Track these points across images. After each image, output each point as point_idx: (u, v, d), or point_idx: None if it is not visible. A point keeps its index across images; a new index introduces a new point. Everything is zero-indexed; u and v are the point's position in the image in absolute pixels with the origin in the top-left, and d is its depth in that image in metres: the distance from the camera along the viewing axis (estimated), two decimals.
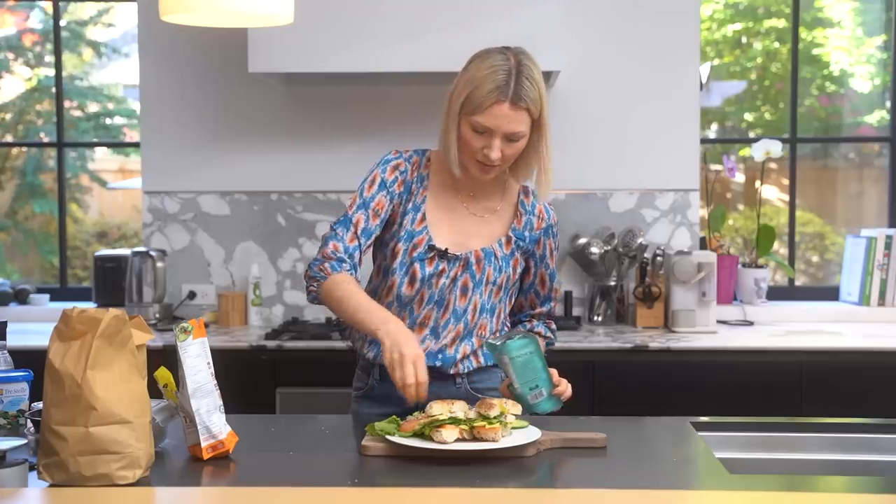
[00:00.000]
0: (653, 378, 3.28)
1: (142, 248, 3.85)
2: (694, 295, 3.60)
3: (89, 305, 3.60)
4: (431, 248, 2.21)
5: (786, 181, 4.45)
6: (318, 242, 3.90)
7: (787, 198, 4.43)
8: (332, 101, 3.90)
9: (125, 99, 6.68)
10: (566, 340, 3.36)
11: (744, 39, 5.91)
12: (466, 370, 2.25)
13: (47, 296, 4.13)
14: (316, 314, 3.90)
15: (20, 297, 4.10)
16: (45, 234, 6.33)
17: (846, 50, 5.45)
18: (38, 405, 1.87)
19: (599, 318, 3.79)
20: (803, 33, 5.33)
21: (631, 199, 3.90)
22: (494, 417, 1.90)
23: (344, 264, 2.15)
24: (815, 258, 5.63)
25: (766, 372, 3.29)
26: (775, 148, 3.92)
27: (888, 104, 4.39)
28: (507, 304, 2.31)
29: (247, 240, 3.94)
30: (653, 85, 3.86)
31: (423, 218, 2.24)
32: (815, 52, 5.50)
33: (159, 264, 3.82)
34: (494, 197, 2.29)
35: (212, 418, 1.86)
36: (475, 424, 1.88)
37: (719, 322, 3.76)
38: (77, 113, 6.44)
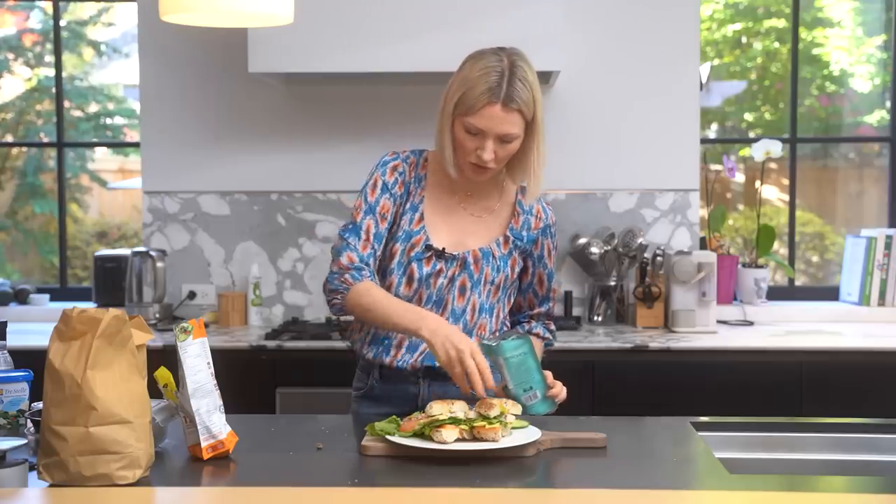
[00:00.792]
0: (653, 378, 3.28)
1: (142, 248, 3.85)
2: (694, 295, 3.60)
3: (89, 305, 3.60)
4: (429, 247, 2.21)
5: (786, 181, 4.45)
6: (317, 242, 3.91)
7: (787, 198, 4.43)
8: (332, 101, 3.90)
9: (125, 99, 6.67)
10: (566, 340, 3.36)
11: (744, 39, 5.91)
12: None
13: (47, 296, 4.13)
14: (316, 314, 3.90)
15: (20, 297, 4.10)
16: (45, 234, 6.33)
17: (846, 50, 5.45)
18: (38, 405, 1.87)
19: (599, 318, 3.79)
20: (803, 33, 5.33)
21: (631, 199, 3.90)
22: (494, 417, 1.90)
23: (363, 272, 2.15)
24: (815, 258, 5.63)
25: (766, 372, 3.29)
26: (775, 148, 3.92)
27: (888, 104, 4.39)
28: (507, 303, 2.31)
29: (247, 240, 3.94)
30: (653, 85, 3.86)
31: (421, 218, 2.24)
32: (815, 52, 5.51)
33: (159, 264, 3.82)
34: (492, 197, 2.29)
35: (212, 418, 1.86)
36: (475, 424, 1.88)
37: (719, 322, 3.76)
38: (77, 113, 6.44)
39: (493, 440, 1.86)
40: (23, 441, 1.77)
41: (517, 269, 2.28)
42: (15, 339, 2.25)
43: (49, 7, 4.68)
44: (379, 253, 2.22)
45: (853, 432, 2.15)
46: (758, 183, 4.08)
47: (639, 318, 3.70)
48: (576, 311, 3.87)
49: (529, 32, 3.36)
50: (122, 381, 1.69)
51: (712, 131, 5.82)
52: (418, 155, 2.31)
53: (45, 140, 6.36)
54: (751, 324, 3.79)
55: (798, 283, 4.36)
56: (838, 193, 5.35)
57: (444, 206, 2.27)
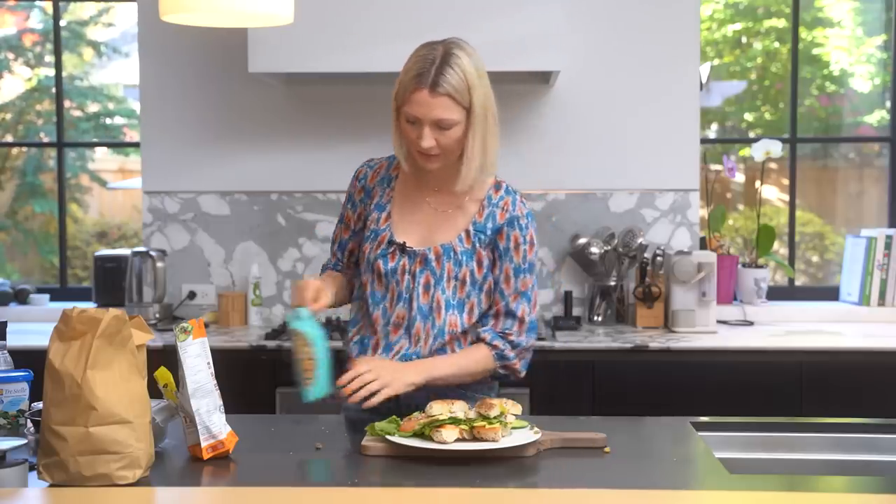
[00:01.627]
0: (653, 378, 3.28)
1: (142, 248, 3.85)
2: (694, 295, 3.60)
3: (89, 305, 3.60)
4: (391, 243, 2.24)
5: (786, 181, 4.45)
6: (317, 242, 3.91)
7: (787, 198, 4.43)
8: (332, 101, 3.90)
9: (125, 99, 6.67)
10: (566, 340, 3.36)
11: (744, 39, 5.91)
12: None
13: (47, 296, 4.13)
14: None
15: (20, 297, 4.10)
16: (45, 234, 6.33)
17: (846, 50, 5.45)
18: (39, 405, 1.87)
19: (599, 318, 3.79)
20: (803, 33, 5.33)
21: (631, 199, 3.90)
22: (494, 417, 1.90)
23: (329, 266, 2.42)
24: (815, 258, 5.63)
25: (766, 372, 3.29)
26: (775, 148, 3.92)
27: (888, 104, 4.39)
28: (483, 299, 2.25)
29: (247, 240, 3.94)
30: (653, 85, 3.86)
31: (389, 216, 2.27)
32: (815, 52, 5.51)
33: (159, 264, 3.82)
34: (462, 192, 2.26)
35: (212, 418, 1.86)
36: (475, 424, 1.88)
37: (719, 322, 3.76)
38: (77, 113, 6.44)
39: (493, 440, 1.86)
40: (23, 441, 1.77)
41: (485, 264, 2.24)
42: (15, 339, 2.25)
43: (49, 7, 4.68)
44: (345, 260, 2.39)
45: (853, 432, 2.15)
46: (758, 183, 4.08)
47: (639, 318, 3.70)
48: (576, 311, 3.87)
49: (529, 32, 3.36)
50: (122, 381, 1.69)
51: (712, 131, 5.82)
52: (392, 159, 2.35)
53: (45, 140, 6.36)
54: (751, 324, 3.79)
55: (798, 283, 4.36)
56: (838, 193, 5.36)
57: (411, 204, 2.28)
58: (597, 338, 3.45)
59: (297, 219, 3.93)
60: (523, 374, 2.28)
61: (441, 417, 1.89)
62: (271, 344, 3.37)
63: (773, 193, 5.46)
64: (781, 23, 5.53)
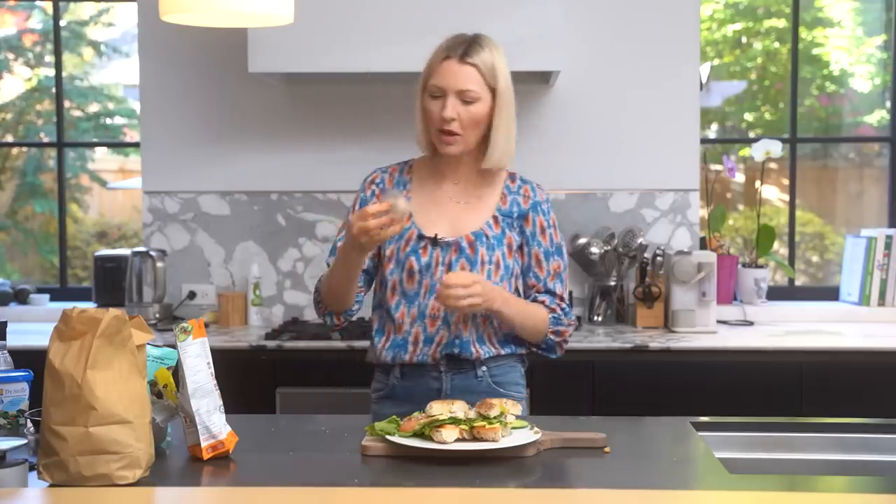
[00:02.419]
0: (653, 378, 3.28)
1: (142, 248, 3.85)
2: (694, 295, 3.60)
3: (89, 305, 3.60)
4: (421, 237, 2.26)
5: (786, 181, 4.45)
6: (318, 242, 3.91)
7: (787, 198, 4.43)
8: (332, 101, 3.90)
9: (125, 99, 6.68)
10: None
11: (744, 39, 5.91)
12: (486, 356, 2.26)
13: (47, 296, 4.13)
14: (316, 314, 3.89)
15: (20, 297, 4.10)
16: (45, 234, 6.33)
17: (846, 50, 5.46)
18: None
19: (599, 318, 3.79)
20: (803, 33, 5.33)
21: (631, 199, 3.89)
22: (494, 417, 1.90)
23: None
24: (815, 258, 5.63)
25: (766, 372, 3.29)
26: (775, 148, 3.92)
27: (888, 104, 4.39)
28: (514, 282, 2.31)
29: (247, 240, 3.94)
30: (653, 85, 3.86)
31: (411, 215, 2.28)
32: (815, 52, 5.51)
33: (159, 264, 3.82)
34: (479, 183, 2.32)
35: (212, 418, 1.86)
36: (475, 424, 1.88)
37: (719, 322, 3.76)
38: (77, 113, 6.44)
39: (493, 440, 1.86)
40: (23, 441, 1.77)
41: (515, 246, 2.29)
42: (15, 339, 2.25)
43: (49, 7, 4.68)
44: None
45: (853, 432, 2.15)
46: (758, 183, 4.08)
47: (639, 318, 3.70)
48: (576, 311, 3.87)
49: (529, 32, 3.36)
50: (122, 381, 1.69)
51: (712, 131, 5.82)
52: (403, 164, 2.40)
53: (45, 140, 6.36)
54: (751, 324, 3.79)
55: (798, 283, 4.36)
56: (838, 193, 5.36)
57: (432, 200, 2.31)
58: (597, 338, 3.45)
59: (297, 219, 3.92)
60: (563, 352, 2.35)
61: (441, 417, 1.89)
62: (271, 344, 3.37)
63: (773, 193, 5.47)
64: (781, 23, 5.54)
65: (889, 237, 3.90)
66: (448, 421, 1.88)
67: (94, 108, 6.57)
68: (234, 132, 3.92)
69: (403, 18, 3.41)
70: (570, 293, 3.87)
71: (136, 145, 4.92)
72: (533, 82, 3.77)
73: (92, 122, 6.53)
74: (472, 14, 3.38)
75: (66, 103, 6.07)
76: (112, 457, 1.66)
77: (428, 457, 1.83)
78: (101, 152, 6.85)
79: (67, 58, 6.37)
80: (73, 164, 6.34)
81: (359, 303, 2.36)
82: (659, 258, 3.67)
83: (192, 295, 3.93)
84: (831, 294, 4.14)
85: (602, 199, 3.89)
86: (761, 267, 3.94)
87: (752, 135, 5.93)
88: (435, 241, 2.25)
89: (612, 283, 3.80)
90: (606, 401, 3.27)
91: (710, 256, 3.61)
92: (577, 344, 3.33)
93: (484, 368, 2.27)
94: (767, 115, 5.86)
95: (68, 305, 1.76)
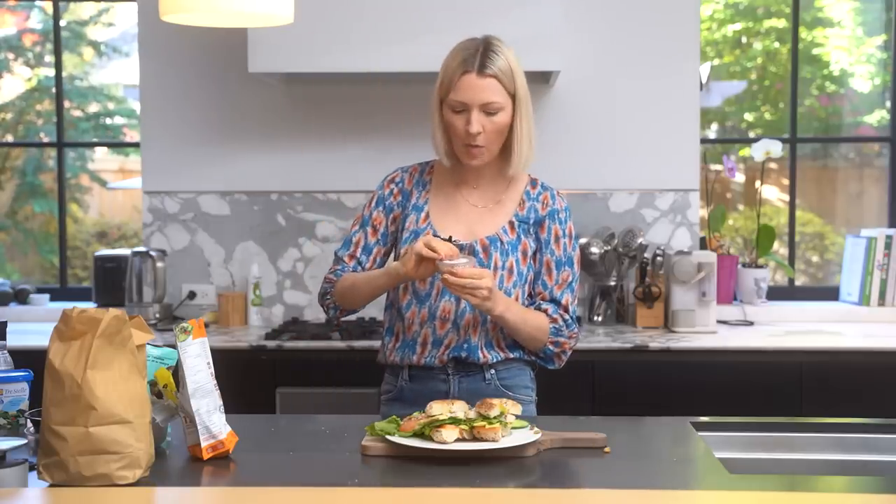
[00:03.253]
0: (653, 378, 3.28)
1: (142, 248, 3.85)
2: (694, 295, 3.60)
3: (89, 305, 3.60)
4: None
5: (786, 181, 4.45)
6: (318, 242, 3.91)
7: (787, 198, 4.43)
8: (332, 101, 3.90)
9: (125, 99, 6.68)
10: None
11: (744, 39, 5.91)
12: (494, 360, 2.25)
13: (47, 296, 4.13)
14: (316, 314, 3.90)
15: (20, 297, 4.10)
16: (45, 234, 6.33)
17: (846, 50, 5.46)
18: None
19: (599, 318, 3.79)
20: (803, 33, 5.33)
21: (631, 199, 3.90)
22: (494, 417, 1.90)
23: (346, 270, 2.32)
24: (815, 258, 5.63)
25: (766, 372, 3.29)
26: (775, 148, 3.92)
27: (888, 104, 4.39)
28: (526, 289, 2.30)
29: (247, 240, 3.94)
30: (653, 85, 3.86)
31: (427, 216, 2.29)
32: (815, 52, 5.51)
33: (159, 264, 3.82)
34: (498, 188, 2.32)
35: (212, 418, 1.86)
36: (475, 424, 1.88)
37: (719, 322, 3.76)
38: (77, 113, 6.44)
39: (493, 440, 1.86)
40: (23, 441, 1.77)
41: (530, 252, 2.29)
42: (15, 339, 2.25)
43: (49, 7, 4.68)
44: (368, 265, 2.33)
45: (853, 432, 2.15)
46: (758, 183, 4.08)
47: (639, 318, 3.70)
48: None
49: (529, 32, 3.36)
50: (122, 381, 1.69)
51: (712, 131, 5.82)
52: (424, 164, 2.39)
53: (45, 140, 6.36)
54: (751, 324, 3.79)
55: (798, 283, 4.36)
56: (838, 193, 5.36)
57: (450, 203, 2.31)
58: (597, 338, 3.45)
59: (297, 219, 3.93)
60: (563, 363, 2.34)
61: (441, 417, 1.89)
62: (271, 344, 3.37)
63: (773, 193, 5.47)
64: (781, 23, 5.54)
65: (889, 237, 3.90)
66: (448, 421, 1.88)
67: (94, 108, 6.57)
68: (234, 132, 3.92)
69: (403, 18, 3.41)
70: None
71: (136, 145, 4.93)
72: (533, 82, 3.74)
73: (92, 122, 6.53)
74: (472, 14, 3.38)
75: (66, 103, 6.07)
76: (112, 457, 1.66)
77: (428, 457, 1.83)
78: (101, 152, 6.86)
79: (67, 58, 6.37)
80: (73, 164, 6.34)
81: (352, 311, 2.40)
82: (659, 258, 3.67)
83: (192, 295, 3.93)
84: (831, 294, 4.14)
85: (602, 199, 3.89)
86: (761, 267, 3.94)
87: (752, 135, 5.93)
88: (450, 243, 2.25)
89: (612, 283, 3.80)
90: (606, 401, 3.27)
91: (710, 256, 3.61)
92: (577, 344, 3.32)
93: (492, 372, 2.27)
94: (767, 115, 5.86)
95: (68, 305, 1.76)
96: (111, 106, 6.63)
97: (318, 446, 2.00)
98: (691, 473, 1.87)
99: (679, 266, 3.58)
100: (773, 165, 5.10)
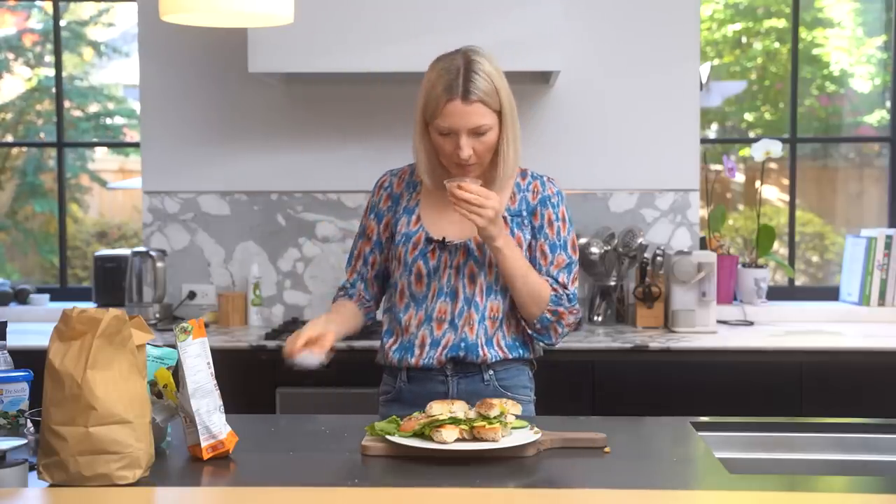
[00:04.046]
0: (653, 378, 3.28)
1: (142, 248, 3.85)
2: (694, 295, 3.60)
3: (89, 305, 3.60)
4: (429, 240, 2.25)
5: (786, 181, 4.45)
6: (317, 242, 3.91)
7: (787, 198, 4.43)
8: (332, 101, 3.90)
9: (125, 99, 6.68)
10: (566, 340, 3.35)
11: (744, 39, 5.91)
12: (493, 359, 2.25)
13: (47, 296, 4.13)
14: (316, 314, 3.89)
15: (20, 297, 4.09)
16: (45, 234, 6.33)
17: (846, 50, 5.46)
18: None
19: (599, 318, 3.79)
20: (803, 33, 5.33)
21: (631, 199, 3.89)
22: (494, 417, 1.90)
23: (343, 295, 2.41)
24: (815, 258, 5.63)
25: (766, 372, 3.29)
26: (775, 148, 3.92)
27: (888, 104, 4.39)
28: None
29: (247, 240, 3.94)
30: (653, 85, 3.86)
31: (419, 219, 2.28)
32: (815, 52, 5.51)
33: (159, 264, 3.82)
34: (489, 184, 2.29)
35: (212, 418, 1.86)
36: (475, 424, 1.88)
37: (719, 322, 3.76)
38: (77, 113, 6.44)
39: (493, 440, 1.86)
40: (23, 441, 1.77)
41: (524, 245, 2.28)
42: (15, 339, 2.25)
43: (49, 7, 4.68)
44: (370, 273, 2.37)
45: (853, 432, 2.15)
46: (758, 183, 4.08)
47: (639, 318, 3.70)
48: None
49: (529, 32, 3.36)
50: (122, 381, 1.69)
51: (712, 131, 5.82)
52: (413, 166, 2.37)
53: (45, 140, 6.36)
54: (751, 324, 3.79)
55: (798, 283, 4.36)
56: (838, 193, 5.36)
57: (440, 203, 2.30)
58: (597, 338, 3.45)
59: (297, 219, 3.92)
60: (560, 341, 2.31)
61: (441, 417, 1.89)
62: (271, 344, 3.37)
63: (773, 193, 5.47)
64: (781, 23, 5.54)
65: (889, 237, 3.90)
66: (448, 421, 1.88)
67: (94, 108, 6.57)
68: (234, 132, 3.92)
69: (403, 18, 3.41)
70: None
71: (136, 145, 4.93)
72: (533, 82, 3.77)
73: (92, 122, 6.53)
74: (471, 14, 3.38)
75: (66, 103, 6.07)
76: (112, 457, 1.66)
77: (428, 457, 1.83)
78: (101, 152, 6.85)
79: (67, 58, 6.37)
80: (73, 164, 6.34)
81: (371, 318, 2.43)
82: (659, 258, 3.67)
83: (192, 295, 3.93)
84: (831, 294, 4.14)
85: (602, 199, 3.89)
86: (761, 267, 3.94)
87: (752, 135, 5.93)
88: (443, 244, 2.25)
89: (612, 283, 3.80)
90: (606, 401, 3.27)
91: (710, 256, 3.61)
92: (577, 344, 3.33)
93: (491, 372, 2.26)
94: (767, 115, 5.86)
95: (68, 305, 1.76)
96: (111, 106, 6.63)
97: (318, 446, 2.00)
98: (691, 473, 1.87)
99: (679, 266, 3.58)
100: (773, 165, 5.10)
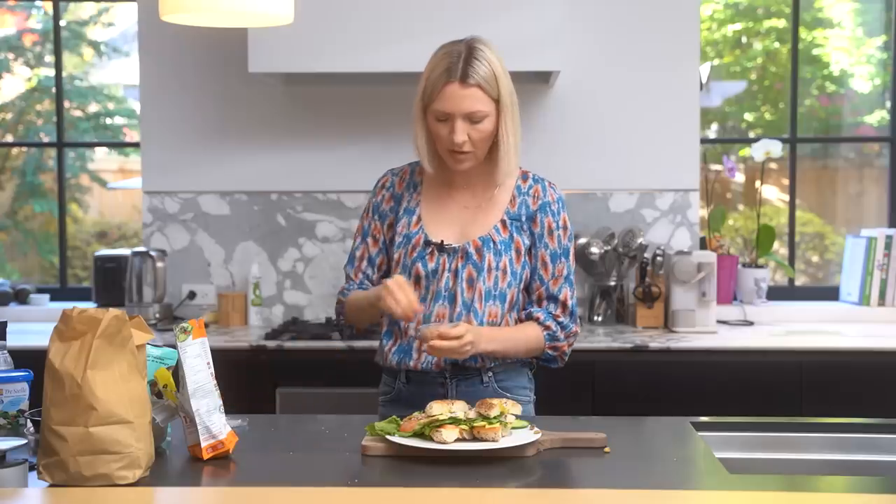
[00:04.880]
0: (653, 378, 3.28)
1: (142, 248, 3.85)
2: (694, 295, 3.60)
3: (89, 305, 3.60)
4: (428, 243, 2.24)
5: (786, 181, 4.45)
6: (317, 242, 3.91)
7: (787, 198, 4.43)
8: (332, 101, 3.90)
9: (125, 99, 6.67)
10: None
11: (744, 39, 5.90)
12: (492, 363, 2.25)
13: (47, 296, 4.13)
14: (316, 314, 3.90)
15: (20, 297, 4.10)
16: (45, 234, 6.33)
17: (846, 50, 5.45)
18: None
19: (599, 318, 3.79)
20: (803, 33, 5.32)
21: (631, 199, 3.90)
22: (494, 417, 1.90)
23: (353, 288, 2.34)
24: (815, 258, 5.63)
25: (766, 372, 3.29)
26: (775, 148, 3.92)
27: (888, 104, 4.39)
28: (522, 290, 2.29)
29: (247, 240, 3.94)
30: (653, 85, 3.86)
31: (419, 220, 2.28)
32: (815, 52, 5.50)
33: (159, 264, 3.82)
34: (489, 186, 2.29)
35: (212, 418, 1.86)
36: (475, 424, 1.88)
37: (719, 322, 3.76)
38: (77, 113, 6.44)
39: (493, 440, 1.86)
40: (23, 441, 1.77)
41: (524, 250, 2.27)
42: (15, 339, 2.25)
43: (49, 7, 4.68)
44: (375, 275, 2.34)
45: (853, 432, 2.15)
46: (758, 183, 4.08)
47: (639, 318, 3.70)
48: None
49: (529, 32, 3.36)
50: (122, 381, 1.69)
51: (712, 131, 5.82)
52: (415, 165, 2.37)
53: (45, 140, 6.36)
54: (751, 324, 3.79)
55: (798, 283, 4.36)
56: (838, 193, 5.35)
57: (441, 205, 2.29)
58: (597, 338, 3.45)
59: (297, 219, 3.93)
60: (565, 362, 2.33)
61: (441, 417, 1.89)
62: (271, 344, 3.37)
63: (773, 193, 5.46)
64: (781, 23, 5.53)
65: (889, 237, 3.90)
66: (448, 421, 1.88)
67: (94, 108, 6.56)
68: (234, 132, 3.92)
69: (403, 18, 3.41)
70: None
71: (136, 145, 4.92)
72: (533, 82, 3.77)
73: (92, 122, 6.52)
74: (471, 14, 3.38)
75: (66, 103, 6.06)
76: (112, 457, 1.66)
77: (428, 457, 1.83)
78: (100, 152, 6.85)
79: (67, 58, 6.37)
80: (72, 164, 6.33)
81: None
82: (659, 258, 3.67)
83: (192, 295, 3.93)
84: (831, 294, 4.14)
85: (602, 199, 3.89)
86: (761, 267, 3.94)
87: (752, 135, 5.93)
88: (441, 248, 2.24)
89: (612, 283, 3.80)
90: (606, 401, 3.27)
91: (710, 256, 3.61)
92: (577, 344, 3.30)
93: (490, 374, 2.26)
94: (767, 115, 5.86)
95: (68, 305, 1.76)
96: (111, 106, 6.63)
97: (318, 446, 2.00)
98: (691, 473, 1.87)
99: (679, 266, 3.58)
100: (773, 165, 5.10)
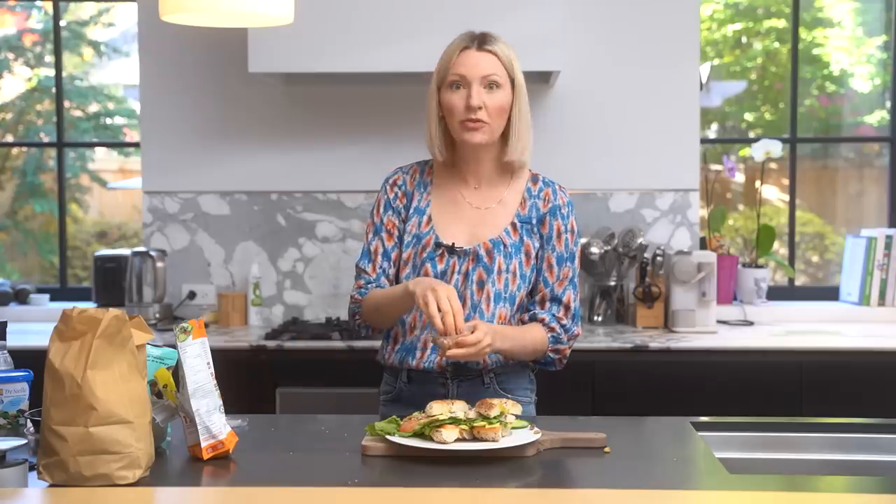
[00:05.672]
0: (653, 378, 3.28)
1: (142, 248, 3.85)
2: (694, 295, 3.60)
3: (89, 305, 3.60)
4: (439, 245, 2.23)
5: (786, 181, 4.45)
6: (317, 242, 3.91)
7: (787, 198, 4.43)
8: (332, 101, 3.90)
9: (125, 99, 6.67)
10: None
11: (744, 39, 5.90)
12: (493, 365, 2.24)
13: (47, 296, 4.13)
14: (316, 314, 3.90)
15: (20, 297, 4.10)
16: (45, 234, 6.33)
17: (846, 50, 5.45)
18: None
19: (599, 318, 3.79)
20: (803, 33, 5.32)
21: (631, 199, 3.90)
22: (494, 417, 1.90)
23: (370, 286, 2.28)
24: (815, 258, 5.63)
25: (766, 372, 3.29)
26: (775, 148, 3.92)
27: (888, 104, 4.39)
28: (529, 293, 2.29)
29: (247, 240, 3.94)
30: (653, 85, 3.86)
31: (430, 220, 2.27)
32: (815, 52, 5.50)
33: (159, 264, 3.82)
34: (500, 186, 2.29)
35: (212, 418, 1.86)
36: (475, 424, 1.88)
37: (719, 322, 3.76)
38: (77, 113, 6.44)
39: (493, 440, 1.86)
40: (23, 441, 1.77)
41: (533, 253, 2.26)
42: (15, 339, 2.25)
43: (49, 7, 4.68)
44: (392, 270, 2.29)
45: (853, 432, 2.15)
46: (758, 183, 4.08)
47: (639, 318, 3.70)
48: None
49: (529, 32, 3.36)
50: (122, 381, 1.69)
51: (712, 131, 5.82)
52: (423, 164, 2.36)
53: (46, 140, 6.35)
54: (751, 324, 3.79)
55: (798, 283, 4.36)
56: (838, 193, 5.35)
57: (451, 205, 2.29)
58: (597, 338, 3.45)
59: (297, 219, 3.93)
60: (564, 364, 2.33)
61: (441, 417, 1.89)
62: (271, 344, 3.37)
63: (773, 193, 5.46)
64: (781, 23, 5.53)
65: (889, 237, 3.90)
66: (448, 421, 1.88)
67: (94, 108, 6.56)
68: (234, 132, 3.93)
69: (403, 18, 3.41)
70: None
71: (136, 145, 4.92)
72: (533, 82, 3.76)
73: (92, 122, 6.52)
74: (472, 14, 3.38)
75: (66, 103, 6.06)
76: (112, 457, 1.66)
77: (428, 457, 1.83)
78: (101, 152, 6.85)
79: (67, 58, 6.37)
80: (73, 164, 6.33)
81: None
82: (659, 258, 3.67)
83: (192, 295, 3.93)
84: (831, 294, 4.14)
85: (602, 199, 3.89)
86: (761, 267, 3.94)
87: (752, 135, 5.93)
88: (452, 250, 2.23)
89: (612, 283, 3.80)
90: (606, 401, 3.27)
91: (710, 256, 3.61)
92: (577, 344, 3.30)
93: (491, 375, 2.26)
94: (767, 115, 5.86)
95: (68, 305, 1.76)
96: (111, 106, 6.63)
97: (318, 446, 2.00)
98: (691, 473, 1.87)
99: (679, 266, 3.58)
100: (773, 165, 5.10)
